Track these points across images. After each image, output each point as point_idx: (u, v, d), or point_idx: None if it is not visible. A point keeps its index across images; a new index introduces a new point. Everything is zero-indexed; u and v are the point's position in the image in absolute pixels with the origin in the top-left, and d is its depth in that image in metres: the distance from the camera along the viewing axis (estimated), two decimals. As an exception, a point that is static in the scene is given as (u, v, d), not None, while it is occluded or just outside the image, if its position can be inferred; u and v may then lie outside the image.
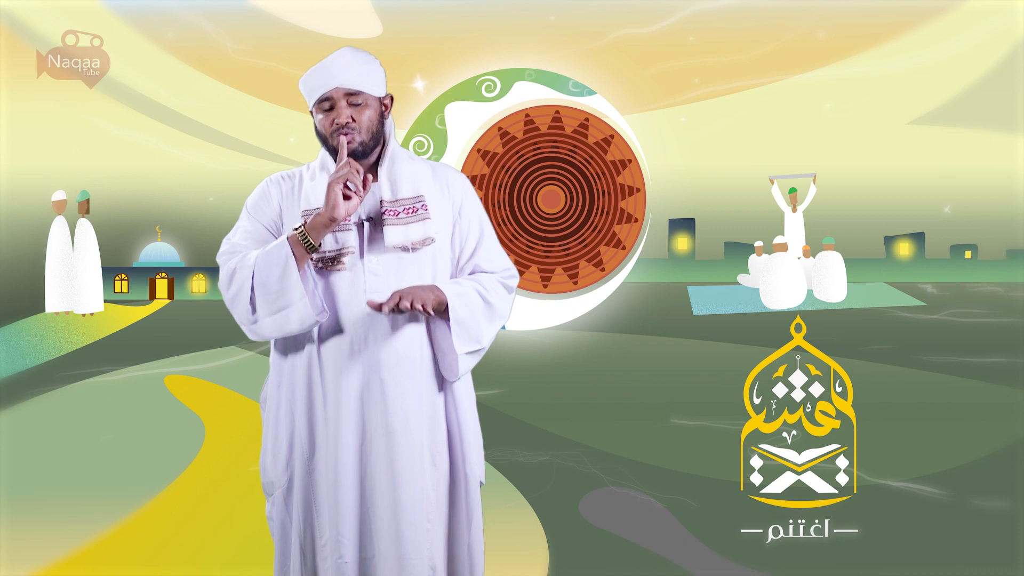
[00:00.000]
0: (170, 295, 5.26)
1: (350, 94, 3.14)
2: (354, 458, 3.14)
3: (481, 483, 3.29)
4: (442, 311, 3.12)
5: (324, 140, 3.18)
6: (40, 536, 4.99)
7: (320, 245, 3.07)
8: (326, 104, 3.14)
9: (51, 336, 5.20)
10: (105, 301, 5.25)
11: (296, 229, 3.05)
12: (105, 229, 5.22)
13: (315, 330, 3.15)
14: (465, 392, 3.28)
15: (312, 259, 3.11)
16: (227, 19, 5.18)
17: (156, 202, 5.20)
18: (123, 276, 5.26)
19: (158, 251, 5.24)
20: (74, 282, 5.19)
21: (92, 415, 5.10)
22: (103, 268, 5.23)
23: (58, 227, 5.19)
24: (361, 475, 3.14)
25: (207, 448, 5.09)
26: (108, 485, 5.02)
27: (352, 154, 3.14)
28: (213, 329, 5.13)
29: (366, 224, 3.17)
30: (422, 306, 3.01)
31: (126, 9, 5.17)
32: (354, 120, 3.13)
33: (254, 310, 3.10)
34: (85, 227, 5.21)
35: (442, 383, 3.23)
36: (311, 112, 3.21)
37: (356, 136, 3.13)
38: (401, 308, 3.00)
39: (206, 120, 5.20)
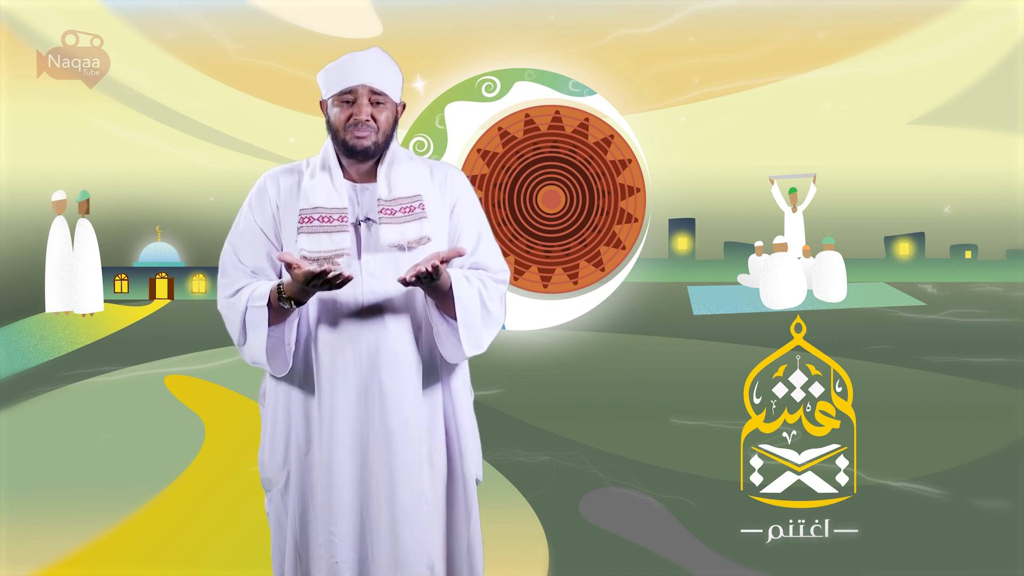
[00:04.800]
0: (170, 295, 5.26)
1: (375, 93, 3.14)
2: (351, 458, 3.14)
3: (478, 481, 3.29)
4: (442, 293, 3.11)
5: (334, 133, 3.18)
6: (40, 536, 4.99)
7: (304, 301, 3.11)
8: (348, 97, 3.14)
9: (51, 336, 5.20)
10: (105, 301, 5.25)
11: (280, 294, 3.07)
12: (105, 229, 5.22)
13: (313, 330, 3.16)
14: (463, 391, 3.28)
15: (307, 260, 3.11)
16: (227, 19, 5.18)
17: (156, 202, 5.20)
18: (123, 276, 5.26)
19: (158, 251, 5.24)
20: (74, 282, 5.19)
21: (92, 415, 5.10)
22: (103, 268, 5.23)
23: (58, 227, 5.19)
24: (358, 476, 3.14)
25: (207, 448, 5.09)
26: (108, 485, 5.02)
27: (364, 152, 3.14)
28: (213, 329, 5.09)
29: (363, 224, 3.17)
30: (429, 268, 3.00)
31: (126, 9, 5.17)
32: (374, 120, 3.13)
33: (244, 343, 3.18)
34: (85, 227, 5.21)
35: (441, 383, 3.23)
36: (323, 103, 3.20)
37: (372, 136, 3.14)
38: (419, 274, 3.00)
39: (206, 120, 5.20)
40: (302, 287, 3.01)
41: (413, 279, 2.99)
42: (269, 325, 3.09)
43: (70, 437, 5.08)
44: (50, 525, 5.00)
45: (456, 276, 3.11)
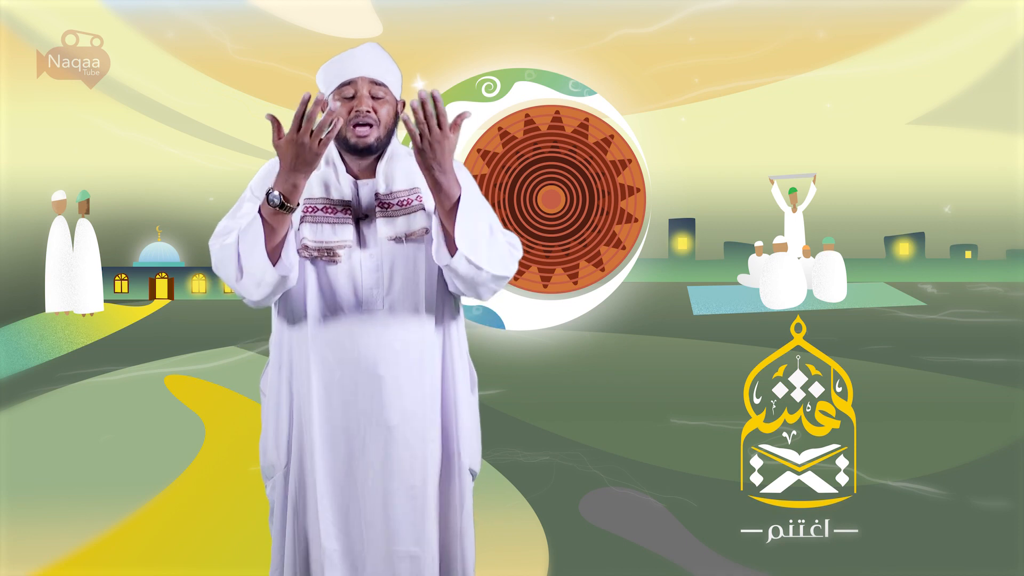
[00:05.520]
0: (170, 295, 5.26)
1: (375, 84, 3.14)
2: (349, 451, 3.16)
3: (474, 473, 3.29)
4: (449, 200, 3.02)
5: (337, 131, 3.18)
6: (40, 536, 4.99)
7: (296, 202, 2.99)
8: (348, 90, 3.14)
9: (51, 336, 5.20)
10: (105, 301, 5.25)
11: (269, 199, 2.97)
12: (105, 229, 5.22)
13: (313, 322, 3.16)
14: (464, 384, 3.28)
15: (308, 248, 3.11)
16: (227, 19, 5.18)
17: (156, 202, 5.20)
18: (123, 276, 5.26)
19: (158, 251, 5.24)
20: (74, 282, 5.19)
21: (92, 415, 5.10)
22: (103, 268, 5.23)
23: (58, 227, 5.19)
24: (355, 467, 3.16)
25: (207, 448, 5.09)
26: (108, 485, 5.02)
27: (367, 150, 3.14)
28: (213, 329, 5.14)
29: (363, 220, 3.18)
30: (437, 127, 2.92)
31: (126, 9, 5.17)
32: (375, 112, 3.14)
33: (240, 276, 3.06)
34: (85, 227, 5.21)
35: (441, 376, 3.23)
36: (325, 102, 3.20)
37: (374, 131, 3.14)
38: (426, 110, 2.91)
39: (206, 120, 5.20)
40: (290, 164, 2.93)
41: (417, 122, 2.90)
42: (268, 246, 3.01)
43: (70, 437, 5.08)
44: (50, 525, 5.00)
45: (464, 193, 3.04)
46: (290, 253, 3.06)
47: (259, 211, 3.01)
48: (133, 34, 5.18)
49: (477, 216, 3.06)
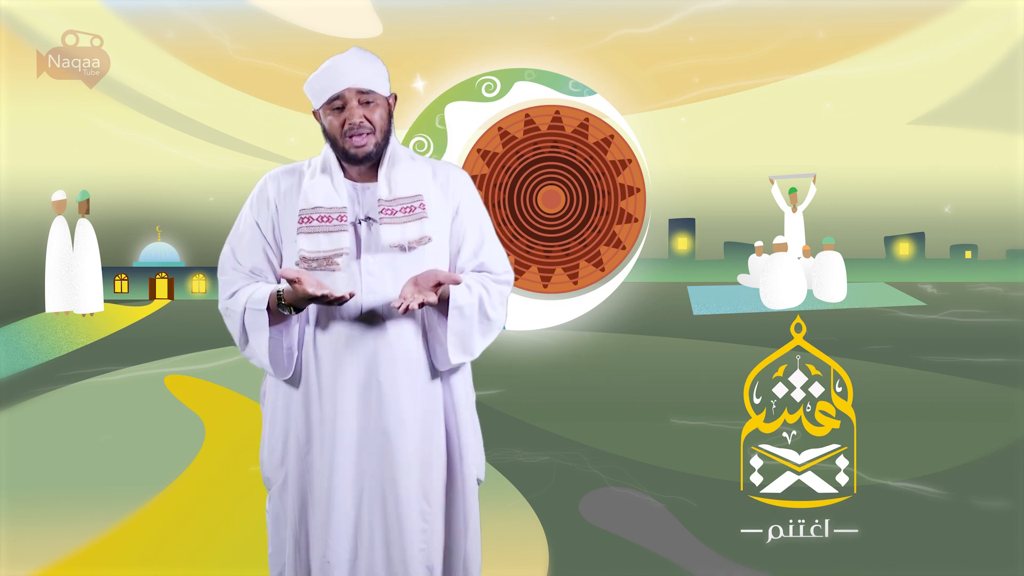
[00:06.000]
0: (170, 295, 5.26)
1: (362, 93, 3.13)
2: (349, 459, 3.14)
3: (479, 481, 3.29)
4: (442, 299, 3.11)
5: (332, 142, 3.17)
6: (40, 536, 4.99)
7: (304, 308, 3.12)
8: (337, 103, 3.13)
9: (51, 336, 5.20)
10: (105, 301, 5.25)
11: (280, 300, 3.07)
12: (105, 229, 5.22)
13: (312, 329, 3.16)
14: (464, 391, 3.28)
15: (307, 260, 3.12)
16: (227, 19, 5.18)
17: (156, 202, 5.20)
18: (123, 276, 5.26)
19: (158, 251, 5.24)
20: (74, 282, 5.19)
21: (92, 415, 5.10)
22: (103, 268, 5.23)
23: (58, 227, 5.19)
24: (356, 476, 3.15)
25: (207, 448, 5.09)
26: (108, 485, 5.02)
27: (366, 158, 3.14)
28: (213, 329, 5.09)
29: (363, 223, 3.17)
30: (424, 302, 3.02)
31: (126, 9, 5.17)
32: (368, 120, 3.13)
33: (246, 345, 3.19)
34: (85, 227, 5.21)
35: (441, 382, 3.23)
36: (316, 114, 3.20)
37: (370, 140, 3.13)
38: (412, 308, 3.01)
39: (206, 120, 5.20)
40: (301, 299, 3.03)
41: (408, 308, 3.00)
42: (269, 326, 3.10)
43: (70, 437, 5.08)
44: (50, 525, 5.00)
45: (455, 287, 3.11)
46: (293, 353, 3.16)
47: (267, 306, 3.09)
48: (133, 34, 5.18)
49: (469, 315, 3.13)
